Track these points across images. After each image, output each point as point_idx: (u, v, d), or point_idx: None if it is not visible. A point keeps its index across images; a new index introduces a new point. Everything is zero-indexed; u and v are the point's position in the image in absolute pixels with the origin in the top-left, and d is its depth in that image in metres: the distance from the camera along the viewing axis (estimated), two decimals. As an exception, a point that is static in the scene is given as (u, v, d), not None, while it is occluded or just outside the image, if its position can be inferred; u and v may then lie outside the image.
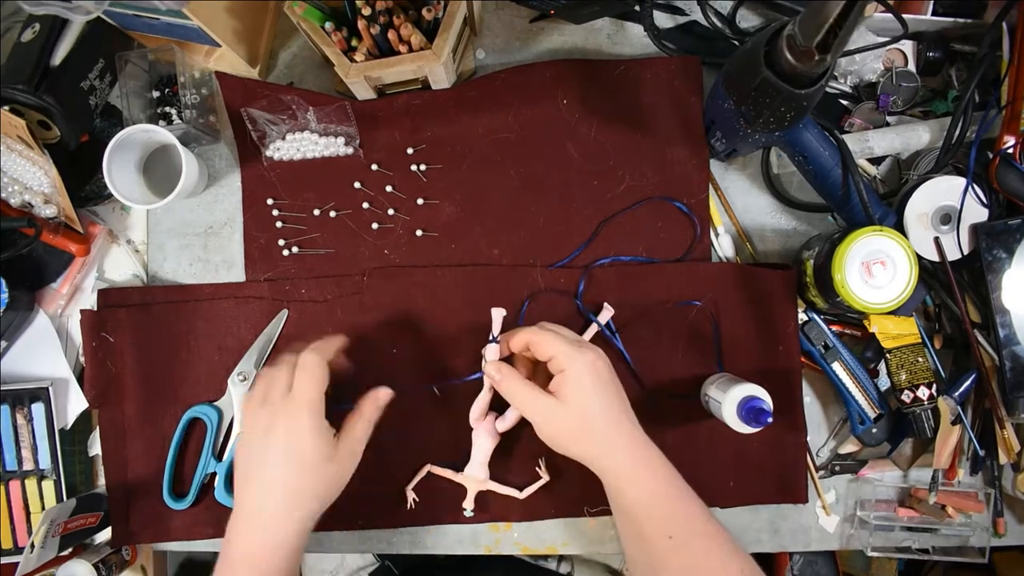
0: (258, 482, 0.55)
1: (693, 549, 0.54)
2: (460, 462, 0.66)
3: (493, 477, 0.66)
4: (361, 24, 0.60)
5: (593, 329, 0.67)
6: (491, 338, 0.63)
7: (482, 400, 0.64)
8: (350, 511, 0.67)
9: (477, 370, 0.64)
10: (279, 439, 0.54)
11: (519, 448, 0.67)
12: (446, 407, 0.67)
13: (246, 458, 0.56)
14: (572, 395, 0.56)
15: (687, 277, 0.68)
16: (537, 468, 0.67)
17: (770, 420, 0.58)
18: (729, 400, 0.60)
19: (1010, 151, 0.64)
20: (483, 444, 0.65)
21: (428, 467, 0.67)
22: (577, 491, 0.67)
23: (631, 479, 0.56)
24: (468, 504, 0.66)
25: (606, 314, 0.67)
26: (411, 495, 0.67)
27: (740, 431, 0.60)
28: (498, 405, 0.65)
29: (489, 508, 0.68)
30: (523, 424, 0.64)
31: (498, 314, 0.63)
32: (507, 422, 0.65)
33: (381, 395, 0.61)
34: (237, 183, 0.72)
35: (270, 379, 0.57)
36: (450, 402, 0.67)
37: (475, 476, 0.66)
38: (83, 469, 0.70)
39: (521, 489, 0.67)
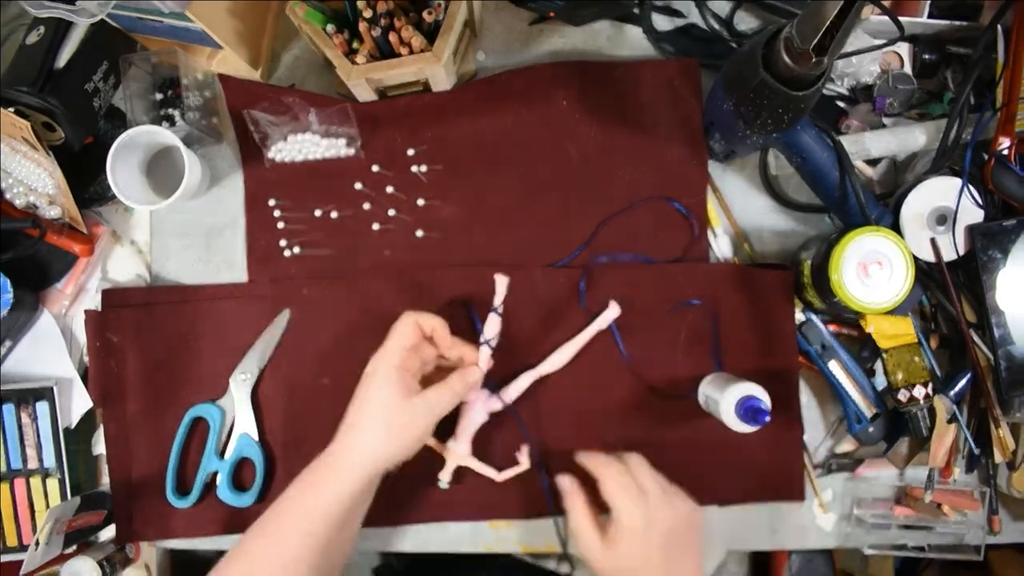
0: (351, 407, 0.59)
1: None
2: (447, 434, 0.66)
3: (476, 456, 0.66)
4: (362, 26, 0.61)
5: (595, 328, 0.68)
6: (493, 308, 0.62)
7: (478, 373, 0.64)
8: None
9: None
10: (362, 381, 0.59)
11: (505, 433, 0.68)
12: None
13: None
14: (614, 542, 0.55)
15: (686, 277, 0.69)
16: (517, 453, 0.67)
17: (768, 419, 0.58)
18: (727, 399, 0.60)
19: (1005, 152, 0.65)
20: (472, 419, 0.65)
21: None
22: (577, 490, 0.68)
23: None
24: (445, 476, 0.66)
25: (612, 312, 0.67)
26: None
27: (738, 430, 0.60)
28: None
29: (488, 502, 0.68)
30: (513, 412, 0.64)
31: (502, 281, 0.63)
32: (511, 395, 0.65)
33: (470, 373, 0.62)
34: (239, 184, 0.72)
35: None
36: None
37: (457, 449, 0.66)
38: (87, 468, 0.71)
39: (500, 471, 0.67)
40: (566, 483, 0.61)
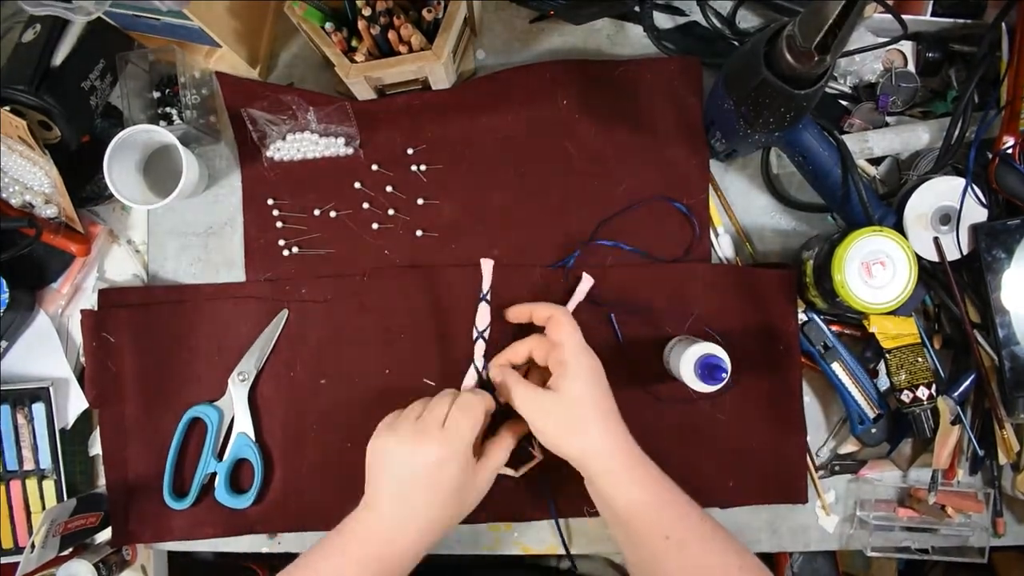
0: (396, 496, 0.56)
1: (690, 550, 0.54)
2: None
3: None
4: (361, 24, 0.60)
5: (574, 302, 0.67)
6: (481, 295, 0.62)
7: (468, 381, 0.64)
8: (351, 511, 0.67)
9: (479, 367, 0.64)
10: (427, 468, 0.55)
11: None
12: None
13: (385, 462, 0.57)
14: (568, 387, 0.57)
15: (687, 278, 0.68)
16: (530, 448, 0.66)
17: (725, 376, 0.58)
18: (687, 358, 0.60)
19: (1009, 151, 0.64)
20: None
21: None
22: (577, 491, 0.67)
23: (626, 481, 0.56)
24: None
25: (586, 284, 0.67)
26: None
27: (697, 389, 0.60)
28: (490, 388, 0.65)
29: (488, 505, 0.67)
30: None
31: (487, 265, 0.62)
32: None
33: (486, 403, 0.61)
34: (237, 183, 0.72)
35: (430, 406, 0.58)
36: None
37: None
38: (83, 469, 0.70)
39: (516, 469, 0.67)
40: (495, 371, 0.62)
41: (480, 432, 0.59)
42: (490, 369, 0.62)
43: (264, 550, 0.70)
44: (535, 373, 0.64)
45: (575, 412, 0.57)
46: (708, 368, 0.58)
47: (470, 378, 0.65)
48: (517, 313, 0.64)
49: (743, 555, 0.55)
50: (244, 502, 0.67)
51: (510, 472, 0.66)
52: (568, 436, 0.57)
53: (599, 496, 0.58)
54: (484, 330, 0.63)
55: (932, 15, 0.67)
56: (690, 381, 0.60)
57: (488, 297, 0.62)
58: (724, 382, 0.59)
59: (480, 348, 0.63)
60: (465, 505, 0.59)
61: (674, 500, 0.56)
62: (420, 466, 0.55)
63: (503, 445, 0.61)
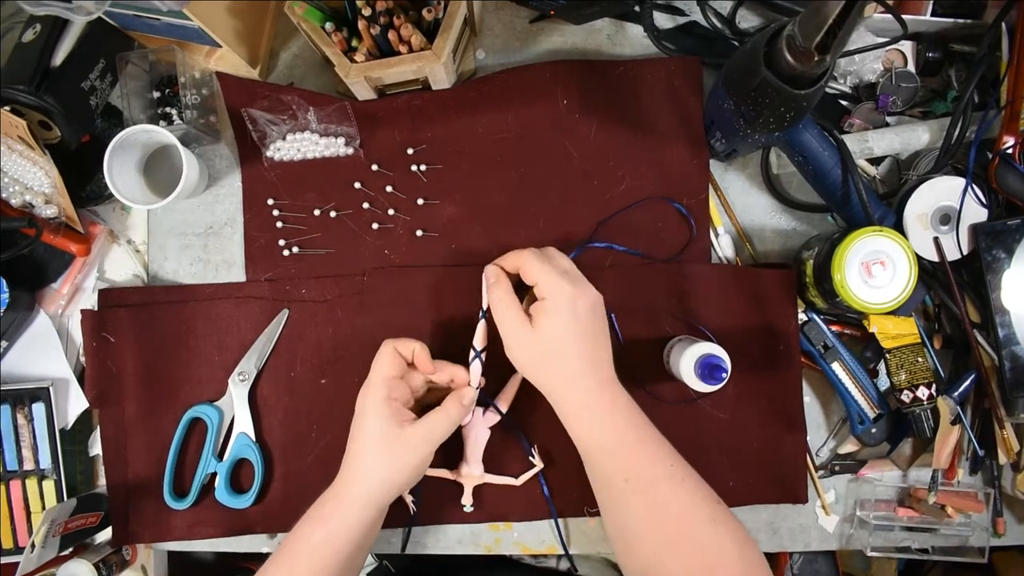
0: (349, 442, 0.59)
1: (656, 491, 0.54)
2: (455, 460, 0.67)
3: (488, 471, 0.66)
4: (361, 24, 0.60)
5: None
6: (481, 313, 0.62)
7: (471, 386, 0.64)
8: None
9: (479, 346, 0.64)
10: (355, 417, 0.59)
11: (511, 441, 0.67)
12: None
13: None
14: (542, 323, 0.56)
15: (687, 278, 0.68)
16: (531, 458, 0.67)
17: (726, 376, 0.58)
18: (687, 358, 0.60)
19: (1009, 151, 0.64)
20: (476, 440, 0.65)
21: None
22: (577, 491, 0.67)
23: (588, 419, 0.56)
24: (467, 500, 0.66)
25: None
26: (408, 499, 0.67)
27: (698, 389, 0.60)
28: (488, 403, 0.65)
29: (488, 506, 0.68)
30: (514, 417, 0.65)
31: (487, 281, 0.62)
32: (505, 402, 0.65)
33: (464, 395, 0.61)
34: (237, 183, 0.72)
35: None
36: None
37: (473, 472, 0.66)
38: (83, 469, 0.70)
39: (516, 478, 0.67)
40: (490, 272, 0.61)
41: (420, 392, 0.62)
42: (486, 269, 0.61)
43: (264, 550, 0.70)
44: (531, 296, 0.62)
45: (548, 348, 0.56)
46: (708, 368, 0.58)
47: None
48: (490, 274, 0.62)
49: (716, 506, 0.54)
50: (244, 502, 0.67)
51: (511, 481, 0.67)
52: (538, 368, 0.57)
53: (568, 431, 0.58)
54: (481, 351, 0.62)
55: (932, 15, 0.67)
56: (690, 381, 0.60)
57: (487, 315, 0.62)
58: (724, 382, 0.59)
59: (476, 368, 0.62)
60: (399, 460, 0.57)
61: (642, 443, 0.56)
62: (355, 415, 0.59)
63: (442, 414, 0.59)
